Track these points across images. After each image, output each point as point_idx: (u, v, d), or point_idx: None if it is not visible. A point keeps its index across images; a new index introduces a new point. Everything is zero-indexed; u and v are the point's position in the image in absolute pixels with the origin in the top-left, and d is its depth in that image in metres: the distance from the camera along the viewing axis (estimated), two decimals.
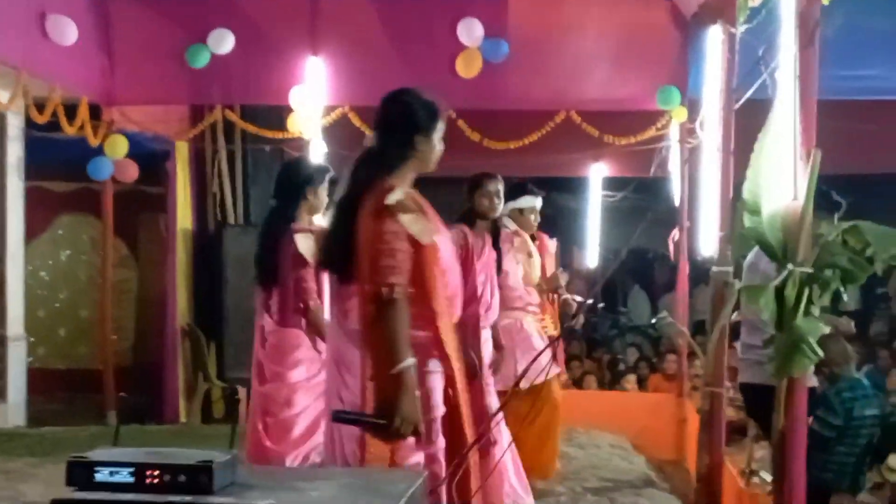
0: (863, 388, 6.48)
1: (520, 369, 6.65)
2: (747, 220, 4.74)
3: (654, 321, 14.37)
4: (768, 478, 6.43)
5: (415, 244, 3.60)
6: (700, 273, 10.74)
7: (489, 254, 6.08)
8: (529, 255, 7.06)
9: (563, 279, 7.30)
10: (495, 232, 6.21)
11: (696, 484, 6.93)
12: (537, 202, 7.16)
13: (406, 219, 3.58)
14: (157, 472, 2.60)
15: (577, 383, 11.09)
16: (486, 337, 6.02)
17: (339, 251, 3.73)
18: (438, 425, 3.74)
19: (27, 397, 9.71)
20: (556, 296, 7.44)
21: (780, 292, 4.61)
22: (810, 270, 4.55)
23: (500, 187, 6.14)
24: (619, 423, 9.29)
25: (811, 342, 4.57)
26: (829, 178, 4.59)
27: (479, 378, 5.85)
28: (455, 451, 3.72)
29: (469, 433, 3.78)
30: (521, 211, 7.09)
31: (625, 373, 11.49)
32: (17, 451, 7.87)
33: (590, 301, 16.04)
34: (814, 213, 4.56)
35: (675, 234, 9.35)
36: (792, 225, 4.56)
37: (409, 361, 3.50)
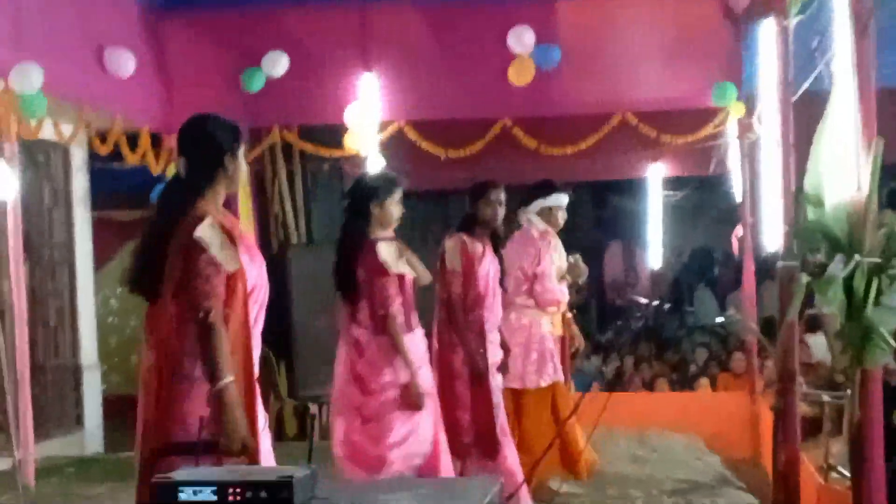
0: None
1: (533, 368, 6.73)
2: (811, 213, 4.71)
3: (721, 319, 14.28)
4: (847, 473, 6.35)
5: (223, 270, 3.74)
6: (765, 269, 10.67)
7: (491, 259, 6.17)
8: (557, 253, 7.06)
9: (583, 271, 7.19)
10: (496, 238, 6.27)
11: (774, 482, 6.87)
12: (565, 200, 7.14)
13: (214, 248, 3.71)
14: (238, 490, 2.65)
15: (648, 385, 11.05)
16: (491, 339, 6.13)
17: (149, 274, 3.89)
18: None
19: (103, 424, 9.88)
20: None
21: (848, 284, 4.57)
22: (878, 260, 4.51)
23: (503, 196, 6.24)
24: (692, 423, 9.24)
25: (883, 333, 4.52)
26: (894, 167, 4.54)
27: (486, 381, 5.91)
28: None
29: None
30: (550, 209, 7.08)
31: (696, 375, 11.43)
32: (97, 477, 8.00)
33: (655, 302, 16.01)
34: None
35: (739, 230, 9.28)
36: (857, 216, 4.51)
37: (229, 379, 3.65)
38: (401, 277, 5.42)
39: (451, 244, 6.11)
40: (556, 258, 7.00)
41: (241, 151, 3.95)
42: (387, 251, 5.39)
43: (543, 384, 6.80)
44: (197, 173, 3.89)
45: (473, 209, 6.22)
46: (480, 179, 6.35)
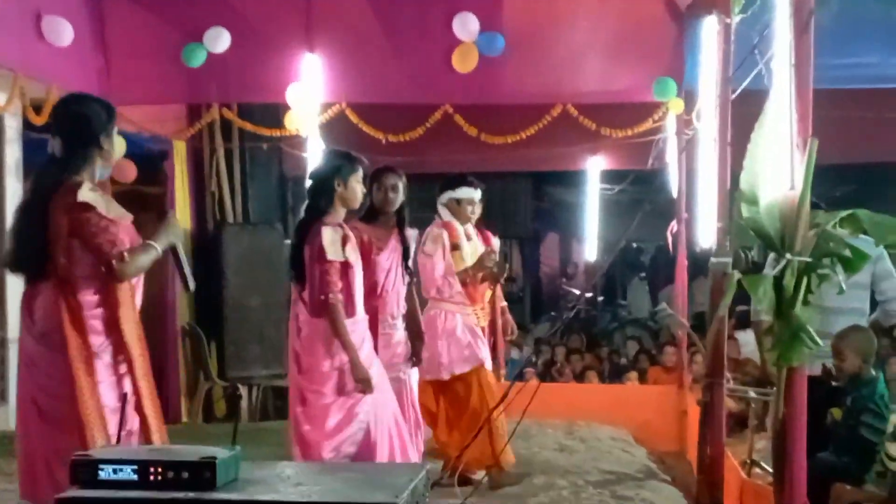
0: (882, 382, 6.37)
1: (444, 359, 6.77)
2: (745, 211, 4.74)
3: (653, 313, 14.40)
4: (769, 468, 6.43)
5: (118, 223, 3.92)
6: (698, 265, 10.77)
7: (394, 247, 6.14)
8: (455, 246, 7.03)
9: (493, 260, 7.17)
10: (401, 223, 6.23)
11: (698, 475, 6.94)
12: (476, 194, 7.13)
13: (101, 207, 3.87)
14: (160, 469, 2.62)
15: (578, 377, 11.11)
16: (388, 329, 6.08)
17: (28, 253, 3.98)
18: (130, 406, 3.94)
19: None
20: (486, 283, 7.32)
21: (778, 282, 4.62)
22: (808, 260, 4.55)
23: (399, 182, 6.18)
24: (620, 415, 9.31)
25: (810, 331, 4.57)
26: (827, 167, 4.59)
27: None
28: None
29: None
30: (458, 201, 7.08)
31: (626, 368, 11.52)
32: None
33: (588, 294, 16.11)
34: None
35: (674, 225, 9.36)
36: (789, 214, 4.56)
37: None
38: (345, 264, 5.37)
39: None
40: (463, 251, 7.01)
41: (115, 131, 4.08)
42: (330, 237, 5.34)
43: (457, 371, 6.84)
44: (72, 152, 3.99)
45: (370, 195, 6.11)
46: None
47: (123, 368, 3.95)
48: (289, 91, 9.03)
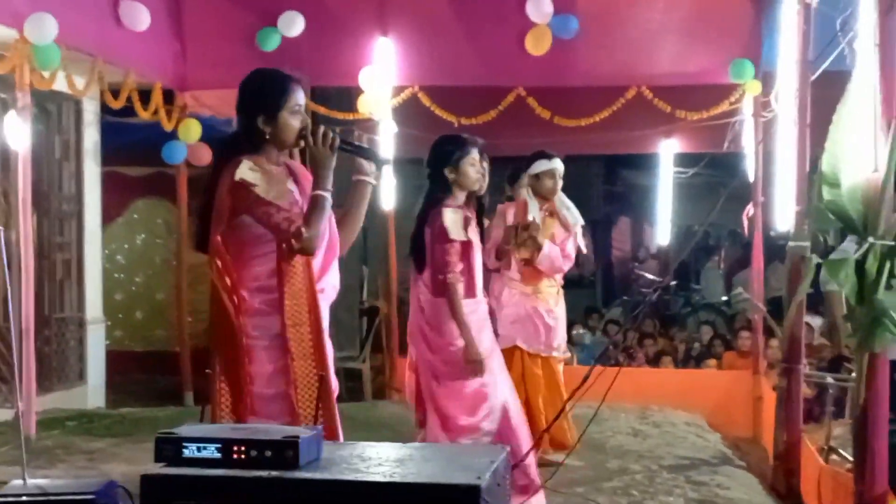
0: None
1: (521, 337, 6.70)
2: (826, 194, 4.67)
3: (727, 298, 14.25)
4: (848, 455, 6.34)
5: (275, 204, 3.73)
6: (774, 249, 10.62)
7: (475, 228, 6.09)
8: (526, 226, 6.94)
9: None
10: (480, 209, 6.19)
11: (774, 461, 6.88)
12: (554, 164, 7.01)
13: (260, 189, 3.69)
14: (243, 448, 2.64)
15: (652, 362, 11.04)
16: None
17: (202, 230, 3.85)
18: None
19: (106, 379, 9.89)
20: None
21: (860, 266, 4.54)
22: (892, 243, 4.47)
23: (486, 165, 5.96)
24: (694, 400, 9.23)
25: (893, 316, 4.49)
26: None
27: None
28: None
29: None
30: (536, 177, 7.01)
31: (700, 353, 11.43)
32: (98, 432, 8.02)
33: (661, 279, 15.98)
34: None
35: (750, 209, 9.24)
36: (873, 197, 4.48)
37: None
38: (465, 244, 5.41)
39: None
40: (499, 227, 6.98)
41: (288, 110, 3.79)
42: (451, 218, 5.38)
43: (503, 346, 6.74)
44: (240, 134, 3.88)
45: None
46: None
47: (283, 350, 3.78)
48: (362, 74, 9.07)
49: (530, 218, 6.93)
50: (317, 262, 3.83)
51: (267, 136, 3.80)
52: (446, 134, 5.89)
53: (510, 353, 6.79)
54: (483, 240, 6.16)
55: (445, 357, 5.45)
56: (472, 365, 5.37)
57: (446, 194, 5.48)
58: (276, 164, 3.85)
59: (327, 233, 3.81)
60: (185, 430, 2.74)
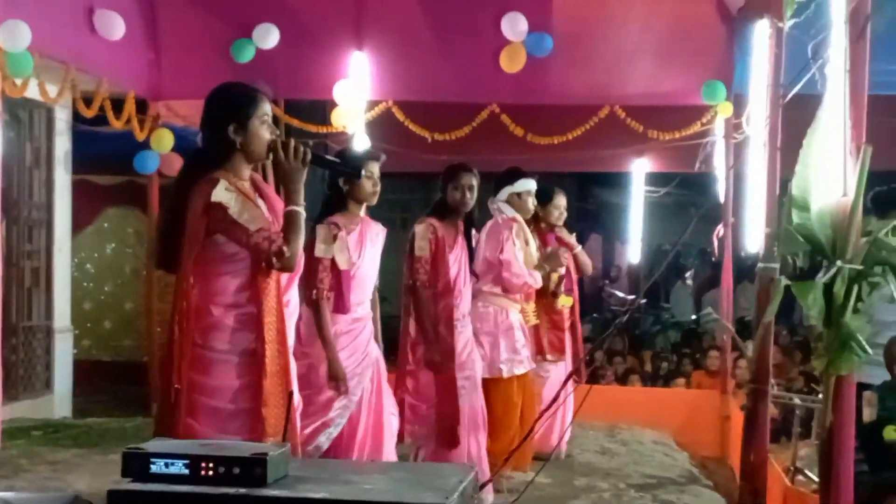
0: None
1: (502, 357, 6.66)
2: (796, 217, 4.70)
3: (697, 317, 14.31)
4: (814, 476, 6.38)
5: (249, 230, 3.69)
6: (743, 270, 10.68)
7: (462, 246, 6.09)
8: (526, 241, 7.00)
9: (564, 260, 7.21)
10: (468, 225, 6.18)
11: (741, 481, 6.89)
12: (531, 184, 7.07)
13: (234, 211, 3.65)
14: (211, 465, 2.64)
15: (620, 380, 11.07)
16: (460, 327, 6.04)
17: (169, 248, 3.80)
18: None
19: (73, 389, 9.83)
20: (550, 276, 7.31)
21: (828, 289, 4.58)
22: (860, 267, 4.51)
23: (475, 181, 6.09)
24: (662, 419, 9.26)
25: (860, 339, 4.53)
26: (877, 173, 4.54)
27: (450, 371, 5.87)
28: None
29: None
30: (518, 195, 7.03)
31: (670, 372, 11.47)
32: (64, 442, 7.96)
33: (631, 297, 16.05)
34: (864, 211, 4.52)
35: (720, 230, 9.29)
36: (841, 221, 4.51)
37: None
38: (333, 261, 5.30)
39: (419, 229, 6.01)
40: (518, 245, 6.95)
41: (258, 121, 3.78)
42: (322, 234, 5.30)
43: (506, 374, 6.72)
44: (208, 146, 3.83)
45: (444, 193, 6.09)
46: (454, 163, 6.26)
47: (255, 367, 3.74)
48: (336, 88, 9.07)
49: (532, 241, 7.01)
50: (282, 277, 3.81)
51: (238, 147, 3.77)
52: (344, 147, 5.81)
53: (524, 376, 6.80)
54: (471, 255, 6.17)
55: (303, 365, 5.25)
56: (334, 381, 5.24)
57: (339, 207, 5.39)
58: (243, 179, 3.81)
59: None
60: (152, 446, 2.73)
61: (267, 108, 3.84)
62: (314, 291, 5.23)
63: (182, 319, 3.68)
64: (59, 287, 9.67)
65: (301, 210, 3.73)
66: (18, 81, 7.38)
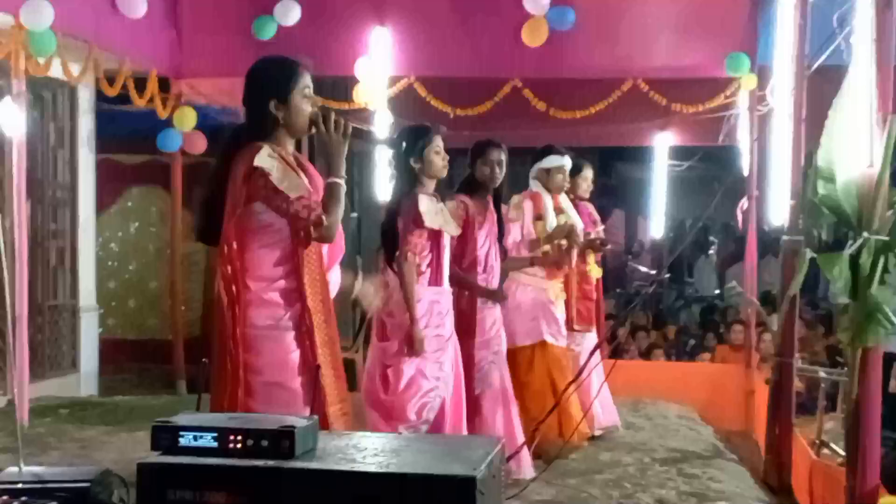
0: None
1: (542, 327, 6.68)
2: (821, 188, 4.68)
3: (721, 292, 14.27)
4: (839, 450, 6.37)
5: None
6: (767, 243, 10.65)
7: (491, 221, 6.10)
8: (539, 217, 6.95)
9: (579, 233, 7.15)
10: (497, 200, 6.19)
11: (766, 455, 6.90)
12: (565, 161, 7.04)
13: (275, 177, 3.64)
14: (240, 437, 2.65)
15: (644, 355, 11.06)
16: (491, 304, 6.06)
17: (210, 221, 3.80)
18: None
19: (99, 367, 9.89)
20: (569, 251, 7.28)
21: (854, 261, 4.56)
22: (886, 238, 4.49)
23: (504, 157, 6.10)
24: (687, 393, 9.25)
25: (886, 311, 4.51)
26: None
27: (468, 345, 5.87)
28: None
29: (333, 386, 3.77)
30: (547, 171, 7.01)
31: (693, 346, 11.46)
32: (91, 420, 8.01)
33: (655, 272, 16.02)
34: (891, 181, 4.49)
35: (744, 203, 9.25)
36: (867, 192, 4.49)
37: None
38: (436, 233, 5.39)
39: (451, 205, 6.03)
40: (547, 222, 6.93)
41: (299, 94, 3.79)
42: (427, 205, 5.35)
43: (518, 343, 6.73)
44: (250, 121, 3.84)
45: (472, 169, 6.13)
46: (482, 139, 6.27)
47: (306, 339, 3.72)
48: (358, 64, 9.06)
49: (553, 216, 6.96)
50: (324, 253, 3.81)
51: (280, 122, 3.78)
52: (409, 125, 5.82)
53: (535, 348, 6.81)
54: (501, 230, 6.19)
55: (399, 340, 5.39)
56: (411, 342, 5.30)
57: (415, 185, 5.44)
58: (287, 154, 3.81)
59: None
60: (181, 419, 2.75)
61: (308, 81, 3.84)
62: (407, 255, 5.29)
63: (230, 284, 3.67)
64: (83, 266, 9.70)
65: (342, 182, 3.73)
66: (41, 60, 7.40)
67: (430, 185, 5.49)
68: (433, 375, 5.40)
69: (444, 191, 5.72)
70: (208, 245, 3.89)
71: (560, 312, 6.98)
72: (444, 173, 5.53)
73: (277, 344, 3.67)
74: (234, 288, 3.66)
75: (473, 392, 5.95)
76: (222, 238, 3.71)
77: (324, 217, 3.63)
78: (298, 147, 4.10)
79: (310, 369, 3.62)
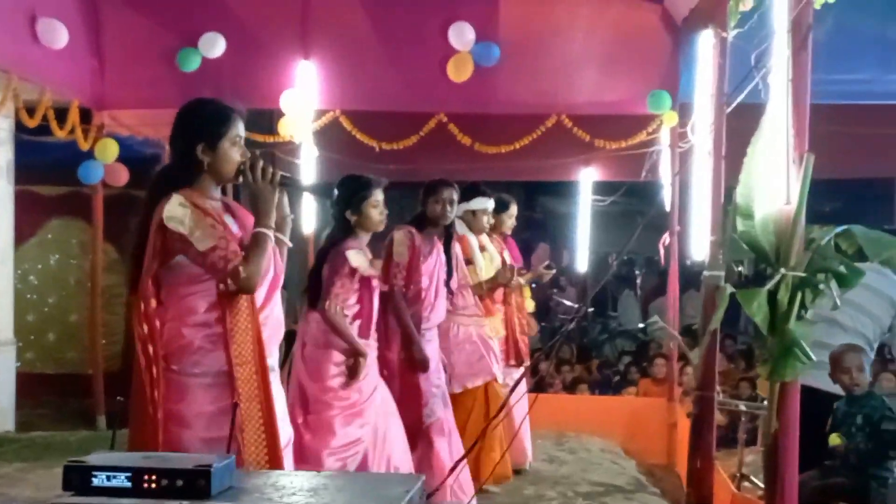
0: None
1: (455, 371, 6.71)
2: (740, 224, 4.74)
3: (644, 325, 14.38)
4: (759, 483, 6.44)
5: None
6: (689, 278, 10.76)
7: (437, 258, 6.18)
8: (469, 261, 7.01)
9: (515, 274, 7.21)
10: (447, 238, 6.26)
11: (687, 488, 6.94)
12: (489, 203, 7.13)
13: (186, 228, 3.54)
14: (154, 477, 2.60)
15: (568, 388, 11.10)
16: (429, 337, 6.15)
17: (136, 273, 3.67)
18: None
19: (16, 402, 9.68)
20: (508, 293, 7.34)
21: (772, 296, 4.62)
22: (803, 275, 4.55)
23: (455, 195, 6.25)
24: (610, 427, 9.30)
25: (804, 346, 4.57)
26: (816, 182, 4.59)
27: (417, 375, 5.98)
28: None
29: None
30: (473, 213, 7.07)
31: (617, 380, 11.53)
32: (6, 456, 7.85)
33: (577, 306, 16.10)
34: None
35: (666, 238, 9.35)
36: (784, 229, 4.56)
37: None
38: (367, 284, 5.46)
39: (399, 235, 6.08)
40: (476, 264, 6.99)
41: (229, 141, 3.68)
42: (356, 258, 5.39)
43: (469, 385, 6.77)
44: (175, 163, 3.74)
45: (424, 206, 6.24)
46: (435, 177, 6.37)
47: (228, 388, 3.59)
48: (283, 97, 9.03)
49: (481, 257, 7.01)
50: (259, 294, 3.69)
51: (205, 168, 3.68)
52: (352, 174, 5.82)
53: (481, 389, 6.79)
54: (450, 270, 6.23)
55: (321, 387, 5.42)
56: (355, 372, 5.38)
57: (348, 235, 5.47)
58: (212, 199, 3.72)
59: (271, 269, 3.70)
60: (94, 459, 2.69)
61: (240, 130, 3.74)
62: (329, 307, 5.34)
63: (146, 345, 3.55)
64: (1, 299, 9.53)
65: (268, 232, 3.64)
66: None
67: (365, 238, 5.51)
68: (357, 427, 5.40)
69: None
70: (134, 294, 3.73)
71: (497, 349, 7.04)
72: (381, 227, 5.60)
73: (203, 392, 3.57)
74: (150, 348, 3.55)
75: (422, 424, 5.98)
76: (139, 293, 3.60)
77: (241, 268, 3.52)
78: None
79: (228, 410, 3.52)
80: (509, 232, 7.83)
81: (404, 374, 5.98)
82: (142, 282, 3.59)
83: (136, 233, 3.73)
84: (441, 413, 6.14)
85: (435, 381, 6.14)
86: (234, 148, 3.71)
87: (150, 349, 3.55)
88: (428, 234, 6.22)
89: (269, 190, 3.67)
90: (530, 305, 7.74)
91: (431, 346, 6.15)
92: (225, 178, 3.74)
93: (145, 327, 3.57)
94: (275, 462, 3.58)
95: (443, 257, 6.23)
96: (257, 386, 3.59)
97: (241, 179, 3.73)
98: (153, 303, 3.60)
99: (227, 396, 3.55)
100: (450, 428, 6.20)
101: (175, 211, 3.55)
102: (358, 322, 5.44)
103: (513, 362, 7.47)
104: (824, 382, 6.04)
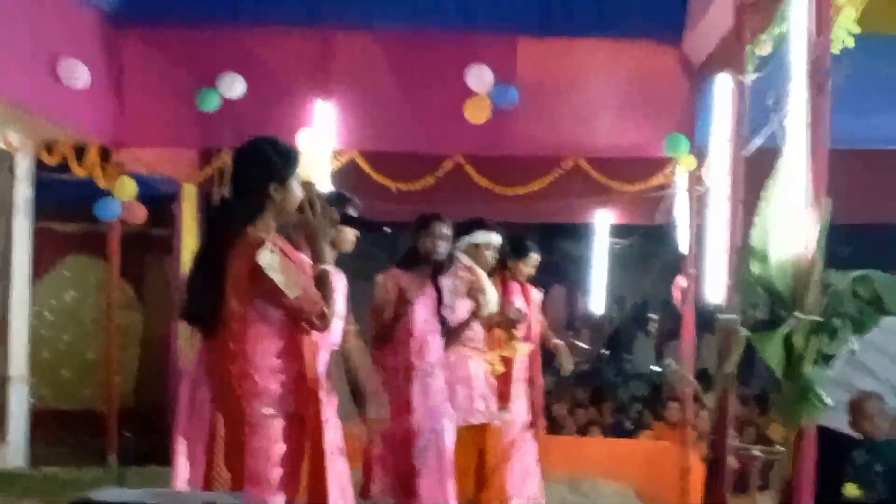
0: None
1: (460, 405, 6.57)
2: (756, 268, 4.74)
3: (659, 368, 14.32)
4: None
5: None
6: (705, 321, 10.72)
7: (430, 294, 6.04)
8: (481, 291, 6.90)
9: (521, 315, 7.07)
10: (436, 273, 6.14)
11: None
12: (493, 238, 6.97)
13: (279, 277, 3.62)
14: None
15: (582, 431, 11.04)
16: (424, 377, 5.95)
17: (206, 304, 3.74)
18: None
19: (29, 438, 9.68)
20: (509, 332, 7.25)
21: (788, 341, 4.60)
22: (820, 319, 4.54)
23: (447, 230, 6.09)
24: (623, 471, 9.23)
25: (819, 392, 4.55)
26: (839, 227, 4.59)
27: (404, 420, 5.81)
28: None
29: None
30: (476, 246, 6.94)
31: (633, 424, 11.47)
32: (18, 493, 7.83)
33: (591, 348, 16.08)
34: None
35: (682, 281, 9.33)
36: (801, 273, 4.55)
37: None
38: None
39: (379, 279, 6.01)
40: (480, 298, 6.88)
41: (296, 180, 3.82)
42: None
43: (484, 420, 6.62)
44: (243, 200, 3.79)
45: (415, 241, 6.09)
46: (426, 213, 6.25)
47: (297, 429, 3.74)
48: (300, 137, 9.07)
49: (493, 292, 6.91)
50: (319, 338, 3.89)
51: (274, 205, 3.77)
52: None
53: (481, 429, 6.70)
54: (440, 303, 6.10)
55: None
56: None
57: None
58: (277, 237, 3.80)
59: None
60: (101, 494, 2.68)
61: (300, 168, 3.89)
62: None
63: (229, 384, 3.67)
64: (16, 335, 9.55)
65: (330, 269, 3.78)
66: None
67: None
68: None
69: (381, 264, 5.75)
70: (194, 325, 3.84)
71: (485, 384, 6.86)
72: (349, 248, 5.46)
73: (275, 432, 3.67)
74: (239, 385, 3.66)
75: (411, 463, 5.87)
76: (227, 334, 3.68)
77: (325, 309, 3.67)
78: None
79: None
80: (524, 279, 7.67)
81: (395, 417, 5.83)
82: (231, 324, 3.66)
83: (199, 263, 3.81)
84: (434, 459, 5.91)
85: (432, 425, 5.94)
86: (298, 186, 3.82)
87: (238, 389, 3.65)
88: (419, 270, 6.05)
89: (325, 226, 3.79)
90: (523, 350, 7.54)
91: (432, 386, 6.04)
92: (289, 214, 3.84)
93: (229, 368, 3.66)
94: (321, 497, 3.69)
95: (435, 293, 6.11)
96: (316, 422, 3.72)
97: (300, 216, 3.83)
98: (245, 345, 3.68)
99: (294, 436, 3.68)
100: (444, 471, 6.03)
101: (273, 259, 3.63)
102: None
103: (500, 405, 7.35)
104: (843, 424, 5.98)
